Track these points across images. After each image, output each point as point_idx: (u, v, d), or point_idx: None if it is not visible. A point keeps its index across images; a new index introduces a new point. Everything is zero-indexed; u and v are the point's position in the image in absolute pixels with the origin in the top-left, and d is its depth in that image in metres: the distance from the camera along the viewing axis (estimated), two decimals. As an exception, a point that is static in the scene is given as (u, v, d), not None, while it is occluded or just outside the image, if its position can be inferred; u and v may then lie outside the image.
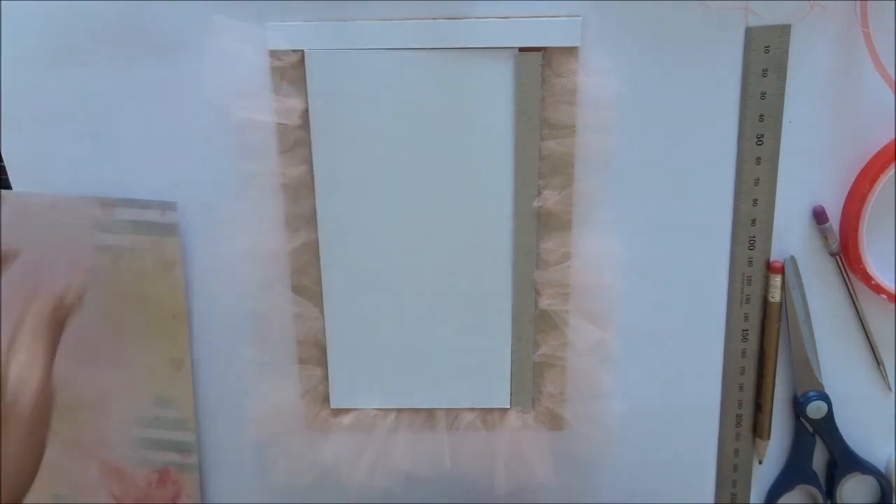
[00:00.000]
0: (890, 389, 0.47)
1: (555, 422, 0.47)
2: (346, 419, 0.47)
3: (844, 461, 0.48)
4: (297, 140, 0.42)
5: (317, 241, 0.44)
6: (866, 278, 0.44)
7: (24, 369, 0.35)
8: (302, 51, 0.40)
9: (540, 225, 0.43)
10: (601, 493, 0.48)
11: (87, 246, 0.44)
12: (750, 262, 0.45)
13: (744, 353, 0.46)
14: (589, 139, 0.42)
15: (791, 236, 0.45)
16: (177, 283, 0.45)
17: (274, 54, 0.40)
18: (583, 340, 0.45)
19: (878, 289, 0.44)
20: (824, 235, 0.44)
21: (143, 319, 0.45)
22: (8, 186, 0.43)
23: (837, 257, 0.45)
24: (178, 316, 0.45)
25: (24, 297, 0.38)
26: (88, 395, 0.47)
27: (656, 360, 0.46)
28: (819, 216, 0.44)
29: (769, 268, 0.45)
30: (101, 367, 0.46)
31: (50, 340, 0.37)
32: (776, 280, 0.45)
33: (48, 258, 0.44)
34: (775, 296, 0.45)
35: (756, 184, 0.43)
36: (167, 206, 0.43)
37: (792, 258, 0.45)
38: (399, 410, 0.47)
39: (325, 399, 0.47)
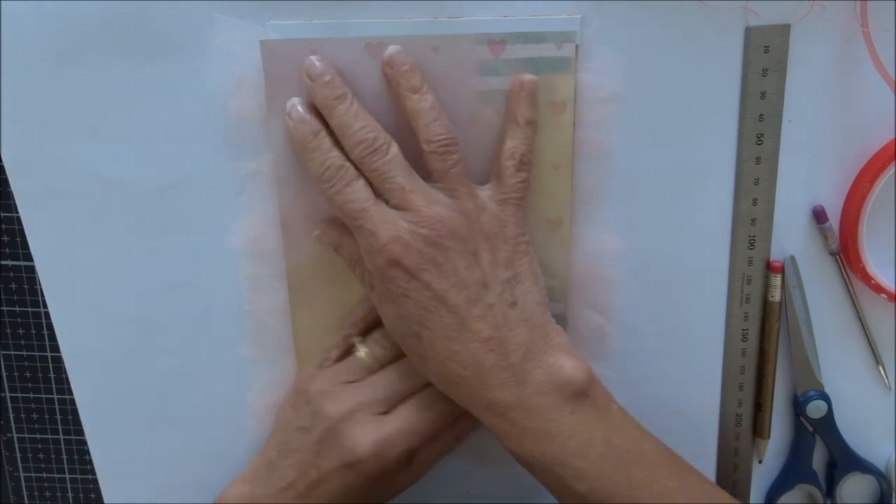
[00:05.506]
0: (890, 389, 0.48)
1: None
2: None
3: (844, 461, 0.48)
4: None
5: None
6: (866, 278, 0.44)
7: None
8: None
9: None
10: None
11: (470, 93, 0.40)
12: (750, 262, 0.45)
13: (744, 353, 0.46)
14: (588, 137, 0.42)
15: (791, 236, 0.45)
16: (565, 129, 0.41)
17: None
18: (582, 336, 0.45)
19: (878, 288, 0.45)
20: (824, 235, 0.44)
21: None
22: (7, 186, 0.43)
23: (837, 257, 0.45)
24: (562, 167, 0.42)
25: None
26: None
27: (656, 360, 0.46)
28: (819, 216, 0.44)
29: (769, 267, 0.45)
30: None
31: None
32: (776, 280, 0.45)
33: None
34: (775, 295, 0.45)
35: (756, 183, 0.43)
36: (564, 37, 0.39)
37: (792, 258, 0.45)
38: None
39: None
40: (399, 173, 0.38)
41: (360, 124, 0.38)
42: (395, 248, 0.37)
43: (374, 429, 0.40)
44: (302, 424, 0.42)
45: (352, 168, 0.38)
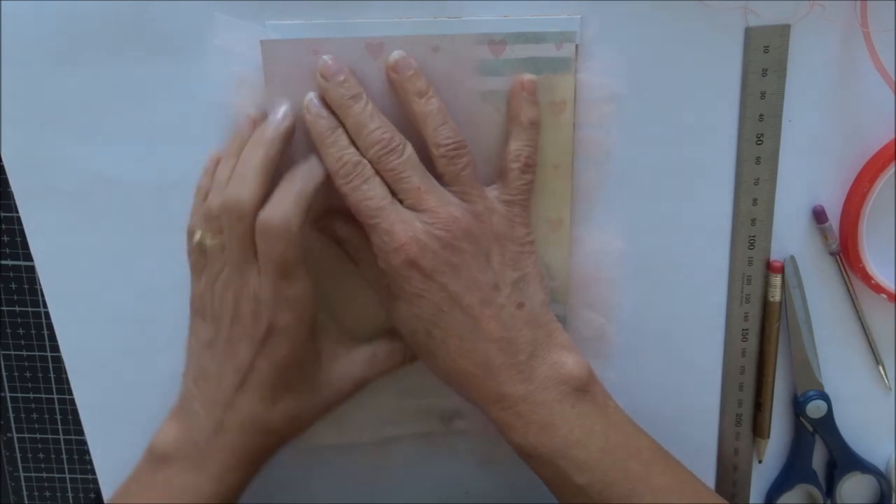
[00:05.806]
0: (890, 389, 0.48)
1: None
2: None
3: (844, 461, 0.48)
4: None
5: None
6: (866, 278, 0.44)
7: None
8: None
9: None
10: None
11: (470, 94, 0.40)
12: (750, 262, 0.45)
13: (744, 353, 0.46)
14: (588, 137, 0.42)
15: (791, 236, 0.45)
16: (565, 129, 0.41)
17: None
18: (582, 336, 0.45)
19: (878, 288, 0.45)
20: (824, 235, 0.44)
21: None
22: (7, 186, 0.43)
23: (837, 257, 0.45)
24: (562, 167, 0.42)
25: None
26: None
27: (656, 360, 0.46)
28: (819, 216, 0.44)
29: (769, 267, 0.45)
30: None
31: None
32: (776, 280, 0.45)
33: None
34: (775, 295, 0.45)
35: (756, 183, 0.43)
36: (564, 37, 0.39)
37: (792, 258, 0.45)
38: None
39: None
40: (414, 173, 0.38)
41: (376, 124, 0.38)
42: (412, 249, 0.37)
43: (267, 293, 0.38)
44: (202, 336, 0.40)
45: (368, 165, 0.38)
